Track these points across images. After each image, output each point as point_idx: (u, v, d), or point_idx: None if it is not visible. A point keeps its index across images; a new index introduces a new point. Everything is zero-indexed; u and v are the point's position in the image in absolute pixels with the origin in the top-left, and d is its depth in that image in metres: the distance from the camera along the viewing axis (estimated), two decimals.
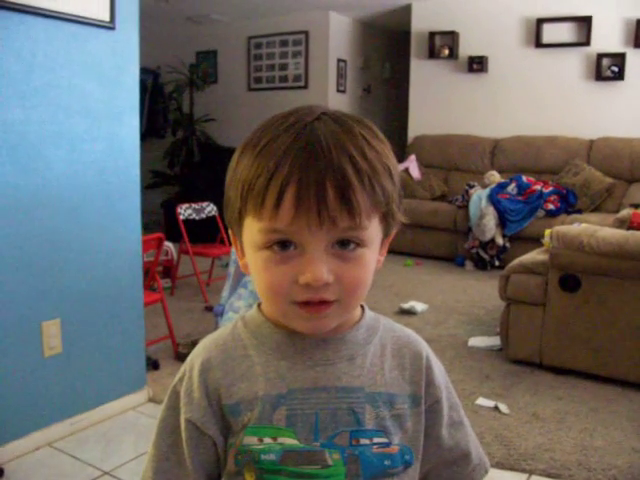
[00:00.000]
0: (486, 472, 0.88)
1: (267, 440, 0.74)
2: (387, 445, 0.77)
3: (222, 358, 0.79)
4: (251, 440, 0.75)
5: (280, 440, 0.74)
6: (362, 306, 0.83)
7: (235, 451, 0.76)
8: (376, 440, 0.77)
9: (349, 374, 0.77)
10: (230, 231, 0.79)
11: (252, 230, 0.72)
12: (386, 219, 0.74)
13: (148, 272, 3.41)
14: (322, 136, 0.69)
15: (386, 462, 0.77)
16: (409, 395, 0.80)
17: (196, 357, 0.80)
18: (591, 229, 3.06)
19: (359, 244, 0.71)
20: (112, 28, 2.46)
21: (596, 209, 5.63)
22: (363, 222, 0.69)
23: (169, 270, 4.77)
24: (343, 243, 0.70)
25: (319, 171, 0.67)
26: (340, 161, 0.67)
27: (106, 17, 2.43)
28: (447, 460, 0.85)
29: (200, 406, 0.76)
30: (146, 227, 3.84)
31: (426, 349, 0.85)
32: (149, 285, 3.52)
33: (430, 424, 0.82)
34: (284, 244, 0.70)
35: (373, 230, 0.72)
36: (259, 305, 0.83)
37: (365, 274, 0.73)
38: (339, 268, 0.70)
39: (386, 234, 0.77)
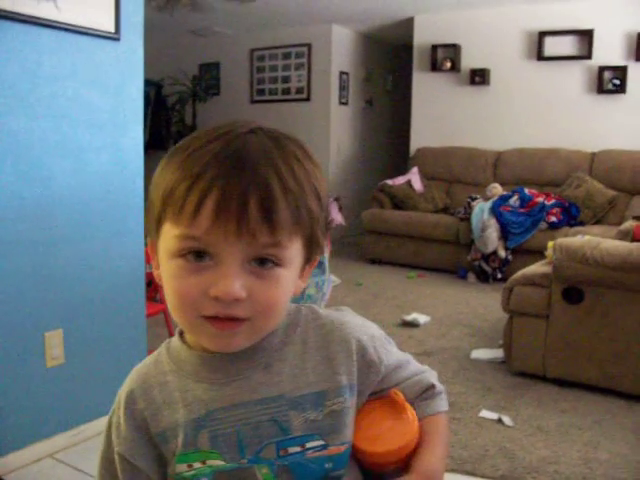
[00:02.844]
0: (432, 385, 0.85)
1: (197, 465, 0.74)
2: (324, 447, 0.74)
3: (144, 388, 0.78)
4: (182, 468, 0.74)
5: (209, 463, 0.73)
6: None
7: None
8: (309, 445, 0.74)
9: (265, 384, 0.74)
10: (148, 240, 0.77)
11: (168, 236, 0.69)
12: (309, 244, 0.72)
13: (150, 283, 3.40)
14: (252, 147, 0.67)
15: (327, 465, 0.74)
16: (346, 386, 0.76)
17: (122, 390, 0.80)
18: (594, 241, 3.05)
19: (277, 263, 0.68)
20: (117, 39, 2.47)
21: (599, 222, 5.62)
22: (284, 240, 0.67)
23: None
24: (261, 261, 0.68)
25: (244, 182, 0.64)
26: (267, 175, 0.65)
27: (111, 28, 2.44)
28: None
29: (127, 439, 0.76)
30: None
31: (356, 331, 0.79)
32: (152, 296, 3.52)
33: (385, 387, 0.81)
34: (199, 254, 0.67)
35: (294, 251, 0.70)
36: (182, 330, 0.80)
37: (280, 295, 0.70)
38: (254, 285, 0.67)
39: (308, 260, 0.74)
